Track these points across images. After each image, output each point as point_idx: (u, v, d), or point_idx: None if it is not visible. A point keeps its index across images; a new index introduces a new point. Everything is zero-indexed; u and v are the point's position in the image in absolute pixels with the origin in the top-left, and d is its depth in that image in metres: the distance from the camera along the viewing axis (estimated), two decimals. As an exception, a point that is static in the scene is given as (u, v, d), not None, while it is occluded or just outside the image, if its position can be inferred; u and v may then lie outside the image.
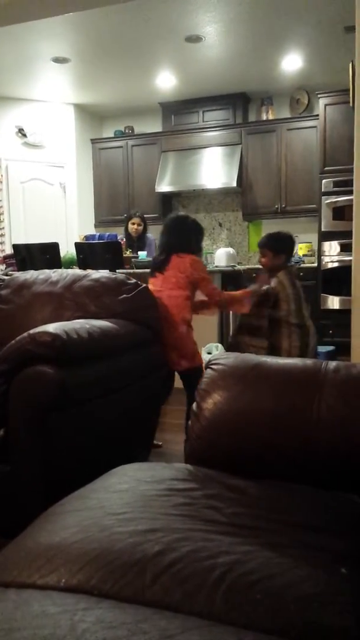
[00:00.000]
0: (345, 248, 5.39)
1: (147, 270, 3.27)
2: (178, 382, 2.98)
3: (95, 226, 7.13)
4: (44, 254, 4.03)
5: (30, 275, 2.80)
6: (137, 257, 4.64)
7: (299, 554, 1.02)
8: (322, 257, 5.78)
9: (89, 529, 1.07)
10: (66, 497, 1.26)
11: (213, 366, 1.60)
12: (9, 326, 2.53)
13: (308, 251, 6.15)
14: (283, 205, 6.23)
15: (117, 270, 3.48)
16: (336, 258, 5.67)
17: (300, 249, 6.20)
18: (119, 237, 4.92)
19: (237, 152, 6.31)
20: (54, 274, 2.73)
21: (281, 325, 3.00)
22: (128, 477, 1.34)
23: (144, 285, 2.61)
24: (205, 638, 0.79)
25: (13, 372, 1.83)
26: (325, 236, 5.76)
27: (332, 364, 1.50)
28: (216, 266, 4.85)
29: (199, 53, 5.27)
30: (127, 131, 7.10)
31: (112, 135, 7.14)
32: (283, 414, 1.42)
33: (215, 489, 1.29)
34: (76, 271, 2.74)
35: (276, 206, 6.27)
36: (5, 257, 4.84)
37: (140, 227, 5.61)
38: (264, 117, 6.49)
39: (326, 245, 5.75)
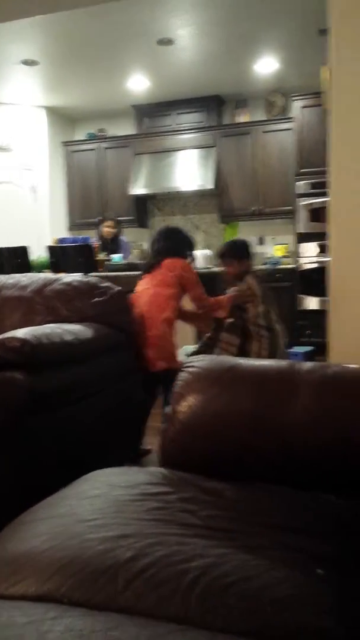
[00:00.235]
0: (325, 249, 5.43)
1: (121, 273, 3.26)
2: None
3: (69, 229, 7.07)
4: (15, 258, 3.97)
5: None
6: (110, 260, 4.61)
7: (276, 556, 1.01)
8: (299, 258, 5.82)
9: (59, 537, 1.04)
10: (37, 504, 1.23)
11: (187, 369, 1.58)
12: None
13: (286, 252, 6.19)
14: (260, 207, 6.26)
15: (90, 274, 3.45)
16: (315, 259, 5.71)
17: (277, 251, 6.23)
18: (92, 240, 4.88)
19: (212, 154, 6.32)
20: (23, 278, 2.69)
21: (250, 328, 3.04)
22: (101, 482, 1.31)
23: (117, 288, 2.59)
24: (178, 644, 0.77)
25: (-17, 378, 1.79)
26: (302, 238, 5.80)
27: (307, 365, 1.50)
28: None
29: (171, 56, 5.25)
30: (99, 134, 7.06)
31: (85, 138, 7.10)
32: (260, 416, 1.41)
33: (190, 492, 1.27)
34: (47, 275, 2.71)
35: (253, 208, 6.29)
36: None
37: (114, 230, 5.59)
38: (239, 120, 6.51)
39: (303, 246, 5.79)
